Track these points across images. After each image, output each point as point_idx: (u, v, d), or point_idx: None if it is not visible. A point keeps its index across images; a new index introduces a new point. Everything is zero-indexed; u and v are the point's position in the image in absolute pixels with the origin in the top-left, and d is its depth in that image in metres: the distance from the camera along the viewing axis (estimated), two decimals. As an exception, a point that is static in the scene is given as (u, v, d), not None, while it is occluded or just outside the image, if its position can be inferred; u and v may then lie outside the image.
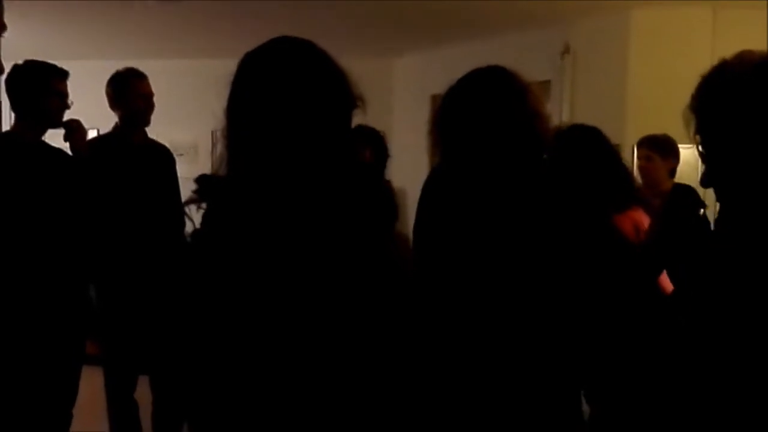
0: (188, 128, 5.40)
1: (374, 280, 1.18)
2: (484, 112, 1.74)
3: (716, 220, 1.21)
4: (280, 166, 1.17)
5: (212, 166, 1.27)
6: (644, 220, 2.41)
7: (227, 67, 1.25)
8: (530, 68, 1.86)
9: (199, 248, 1.23)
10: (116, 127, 3.37)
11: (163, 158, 3.47)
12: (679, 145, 3.59)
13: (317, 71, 1.20)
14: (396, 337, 1.19)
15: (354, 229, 1.18)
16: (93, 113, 3.56)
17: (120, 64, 3.46)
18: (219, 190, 1.22)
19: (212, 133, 1.33)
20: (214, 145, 1.34)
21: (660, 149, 3.63)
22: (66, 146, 3.10)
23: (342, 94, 1.21)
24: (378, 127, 3.33)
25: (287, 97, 1.17)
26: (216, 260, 1.18)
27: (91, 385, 3.31)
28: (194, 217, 1.25)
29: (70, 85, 3.04)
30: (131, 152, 3.33)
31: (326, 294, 1.15)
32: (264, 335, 1.14)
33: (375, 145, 4.13)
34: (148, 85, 3.39)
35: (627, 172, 2.61)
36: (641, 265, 2.42)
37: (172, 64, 6.12)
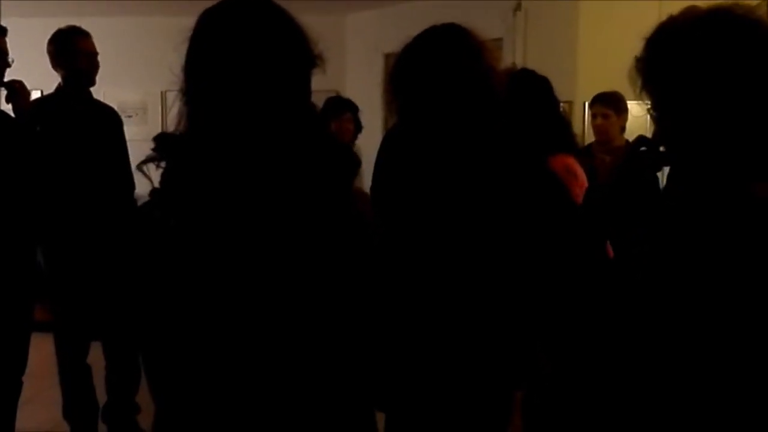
0: (136, 89, 5.27)
1: (337, 233, 1.18)
2: (440, 70, 1.74)
3: (668, 177, 1.24)
4: (240, 122, 1.16)
5: (162, 126, 1.25)
6: (576, 168, 2.48)
7: (175, 25, 1.22)
8: (482, 25, 1.85)
9: (159, 207, 1.22)
10: (59, 88, 3.25)
11: (109, 120, 3.38)
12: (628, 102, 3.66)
13: (277, 28, 1.19)
14: (359, 294, 1.20)
15: (315, 184, 1.18)
16: (36, 73, 3.44)
17: (63, 22, 3.32)
18: (179, 148, 1.20)
19: (162, 93, 1.31)
20: (164, 105, 1.31)
21: (615, 106, 3.69)
22: (8, 108, 3.00)
23: (301, 51, 1.20)
24: (331, 85, 3.31)
25: (247, 54, 1.16)
26: (178, 218, 1.17)
27: (41, 351, 3.26)
28: (152, 176, 1.23)
29: (11, 44, 2.92)
30: (76, 114, 3.21)
31: (289, 247, 1.15)
32: (228, 292, 1.14)
33: (355, 115, 4.13)
34: (91, 43, 3.25)
35: (567, 122, 2.70)
36: (590, 217, 2.49)
37: (118, 22, 5.93)
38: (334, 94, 4.62)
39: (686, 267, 1.08)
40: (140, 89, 4.81)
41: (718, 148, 1.10)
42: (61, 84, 3.24)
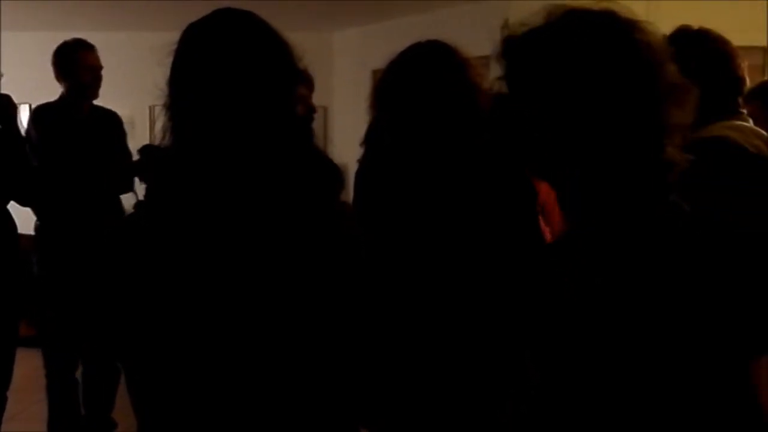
0: (124, 103, 5.26)
1: (323, 247, 1.18)
2: (424, 87, 1.75)
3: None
4: (225, 137, 1.16)
5: (150, 140, 1.25)
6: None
7: (163, 39, 1.23)
8: (470, 43, 1.87)
9: (142, 221, 1.21)
10: (62, 98, 3.27)
11: (111, 124, 3.39)
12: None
13: (261, 43, 1.19)
14: (347, 310, 1.20)
15: (300, 198, 1.18)
16: (24, 87, 3.43)
17: (50, 36, 3.35)
18: (163, 161, 1.20)
19: (150, 108, 1.31)
20: (151, 119, 1.31)
21: None
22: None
23: (286, 66, 1.20)
24: (319, 101, 3.31)
25: (231, 68, 1.16)
26: (160, 233, 1.16)
27: (25, 367, 3.23)
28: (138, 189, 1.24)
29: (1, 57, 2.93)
30: (78, 122, 3.25)
31: (275, 262, 1.14)
32: (213, 307, 1.14)
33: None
34: (96, 57, 3.30)
35: None
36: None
37: (105, 37, 5.92)
38: (322, 110, 4.62)
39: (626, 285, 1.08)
40: (127, 104, 4.80)
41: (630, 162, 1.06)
42: (64, 95, 3.27)
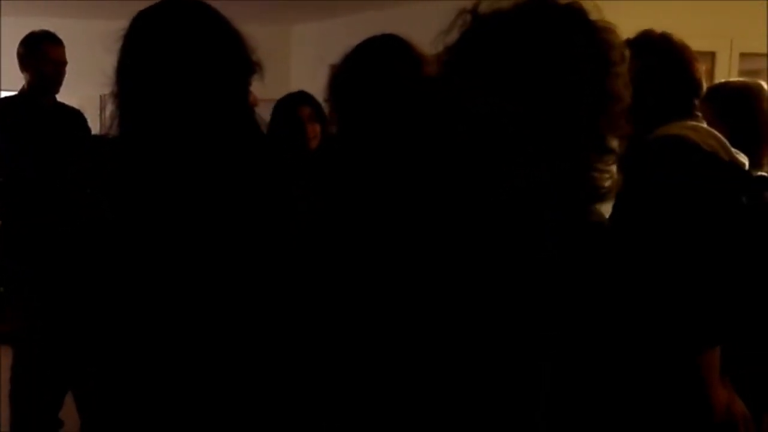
0: (73, 92, 5.13)
1: (272, 239, 1.17)
2: (380, 81, 1.74)
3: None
4: (173, 127, 1.14)
5: (100, 130, 1.22)
6: None
7: (114, 28, 1.20)
8: (428, 41, 1.87)
9: (91, 212, 1.19)
10: (23, 90, 3.26)
11: (75, 122, 3.38)
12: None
13: (212, 32, 1.17)
14: (300, 300, 1.19)
15: (249, 189, 1.17)
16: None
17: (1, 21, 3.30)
18: (110, 152, 1.18)
19: (101, 97, 1.28)
20: (102, 109, 1.28)
21: None
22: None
23: (238, 56, 1.18)
24: (276, 95, 3.28)
25: (180, 57, 1.14)
26: (108, 224, 1.14)
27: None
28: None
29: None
30: (40, 114, 3.22)
31: (220, 255, 1.13)
32: (159, 300, 1.12)
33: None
34: (62, 51, 3.29)
35: None
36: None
37: (54, 24, 5.78)
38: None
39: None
40: (77, 93, 4.70)
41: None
42: (26, 87, 3.25)
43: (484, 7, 1.09)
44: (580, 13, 1.05)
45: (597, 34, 1.03)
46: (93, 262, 1.16)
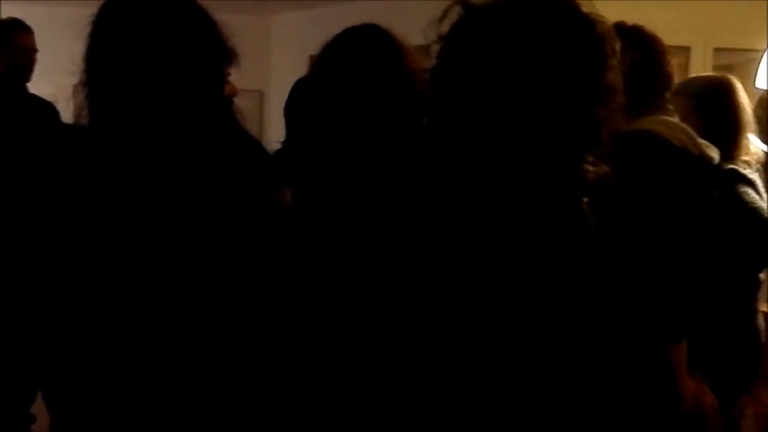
0: (46, 81, 5.05)
1: (249, 232, 1.16)
2: (361, 72, 1.74)
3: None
4: (145, 118, 1.11)
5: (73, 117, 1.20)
6: None
7: (83, 12, 1.18)
8: (409, 32, 1.87)
9: (60, 203, 1.17)
10: None
11: (47, 114, 3.32)
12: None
13: (185, 18, 1.14)
14: (277, 294, 1.18)
15: (225, 180, 1.15)
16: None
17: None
18: (80, 142, 1.16)
19: (74, 86, 1.25)
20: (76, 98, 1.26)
21: None
22: None
23: (212, 44, 1.16)
24: (256, 86, 3.26)
25: (152, 44, 1.11)
26: (76, 215, 1.12)
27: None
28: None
29: None
30: (12, 103, 3.19)
31: (192, 244, 1.12)
32: (132, 293, 1.11)
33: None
34: (31, 39, 3.26)
35: None
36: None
37: (27, 10, 5.69)
38: (258, 94, 4.54)
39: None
40: (50, 81, 4.63)
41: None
42: None
43: None
44: (573, 6, 1.04)
45: (590, 27, 1.03)
46: (74, 257, 1.14)
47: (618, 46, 1.06)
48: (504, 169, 1.06)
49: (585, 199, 1.08)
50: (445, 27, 1.11)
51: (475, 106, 1.04)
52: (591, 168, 1.05)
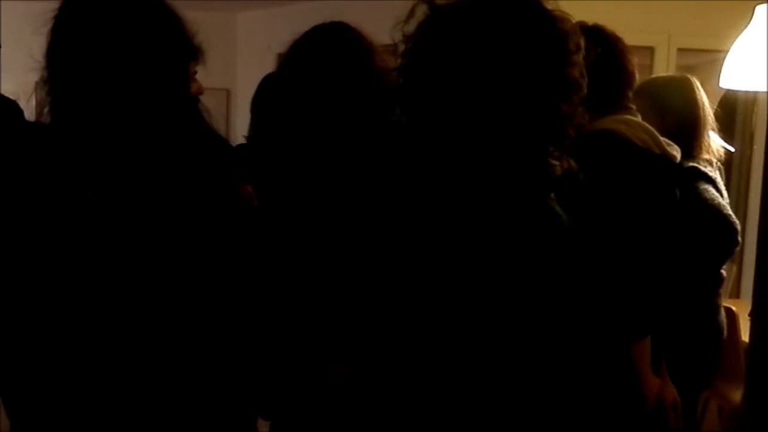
0: (9, 77, 4.95)
1: (211, 229, 1.15)
2: (329, 69, 1.73)
3: None
4: (108, 115, 1.09)
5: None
6: None
7: (44, 6, 1.15)
8: (378, 30, 1.87)
9: (21, 200, 1.14)
10: None
11: (9, 112, 3.23)
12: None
13: (149, 14, 1.12)
14: (240, 290, 1.17)
15: (189, 178, 1.14)
16: None
17: None
18: (40, 140, 1.13)
19: (36, 83, 1.23)
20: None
21: None
22: None
23: (177, 40, 1.14)
24: (222, 84, 3.22)
25: (115, 40, 1.09)
26: (38, 213, 1.10)
27: None
28: None
29: None
30: None
31: (157, 244, 1.10)
32: (93, 290, 1.09)
33: None
34: None
35: None
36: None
37: (-10, 5, 5.56)
38: (224, 93, 4.50)
39: None
40: (13, 78, 4.54)
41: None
42: None
43: None
44: (537, 3, 1.05)
45: (553, 24, 1.04)
46: (35, 256, 1.12)
47: (582, 42, 1.08)
48: (470, 165, 1.07)
49: (552, 195, 1.09)
50: (411, 26, 1.12)
51: (442, 102, 1.05)
52: (556, 163, 1.06)
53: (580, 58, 1.06)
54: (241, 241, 1.20)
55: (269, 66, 1.97)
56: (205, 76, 1.29)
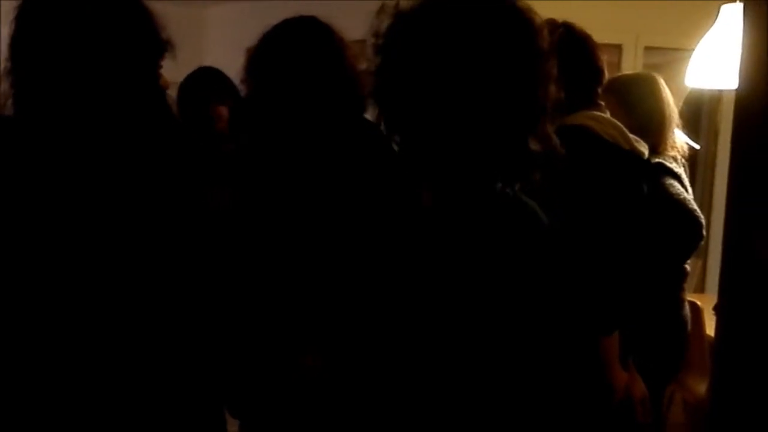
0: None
1: (177, 223, 1.13)
2: (299, 64, 1.72)
3: None
4: (73, 107, 1.07)
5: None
6: None
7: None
8: (348, 26, 1.86)
9: None
10: None
11: None
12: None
13: (118, 7, 1.11)
14: (204, 285, 1.16)
15: (155, 172, 1.12)
16: None
17: None
18: (5, 133, 1.11)
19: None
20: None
21: None
22: None
23: (145, 33, 1.13)
24: (188, 78, 3.16)
25: (82, 33, 1.07)
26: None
27: None
28: None
29: None
30: None
31: (121, 239, 1.09)
32: (54, 286, 1.07)
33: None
34: None
35: None
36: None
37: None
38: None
39: None
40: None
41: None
42: None
43: None
44: (509, 1, 1.06)
45: (522, 17, 1.05)
46: None
47: (552, 36, 1.09)
48: (451, 152, 1.07)
49: (536, 176, 1.11)
50: (383, 23, 1.12)
51: (419, 100, 1.05)
52: (535, 143, 1.07)
53: (550, 49, 1.08)
54: (206, 235, 1.19)
55: (238, 60, 1.95)
56: (173, 69, 1.28)
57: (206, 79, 3.12)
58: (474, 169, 1.08)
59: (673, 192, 2.37)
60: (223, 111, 3.68)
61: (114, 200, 1.10)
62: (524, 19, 1.05)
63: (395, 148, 1.15)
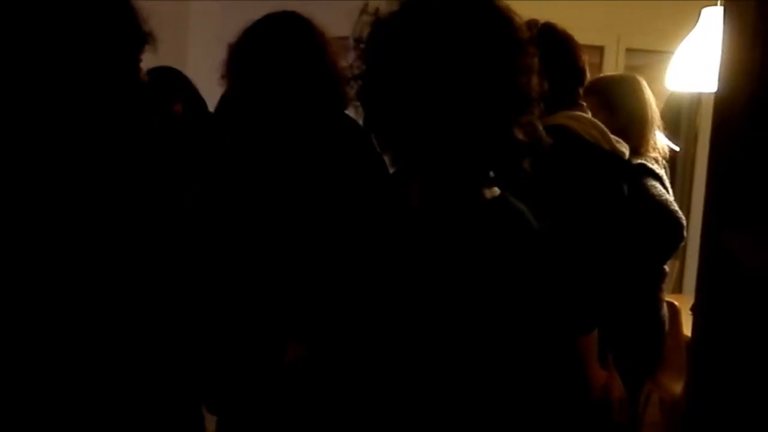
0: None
1: (153, 218, 1.12)
2: (280, 59, 1.72)
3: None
4: (50, 98, 1.06)
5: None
6: None
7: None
8: (330, 23, 1.86)
9: None
10: None
11: None
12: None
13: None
14: (180, 284, 1.16)
15: (133, 165, 1.11)
16: None
17: None
18: None
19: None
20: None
21: None
22: None
23: (126, 24, 1.12)
24: (171, 72, 3.15)
25: (63, 24, 1.06)
26: None
27: None
28: None
29: None
30: None
31: (98, 235, 1.08)
32: (30, 278, 1.06)
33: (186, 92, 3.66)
34: None
35: None
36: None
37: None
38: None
39: None
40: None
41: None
42: None
43: None
44: (489, 1, 1.07)
45: (501, 14, 1.06)
46: None
47: (531, 31, 1.10)
48: (437, 147, 1.08)
49: (525, 162, 1.11)
50: (366, 21, 1.13)
51: (403, 98, 1.06)
52: (521, 134, 1.08)
53: (530, 44, 1.09)
54: (187, 230, 1.18)
55: (220, 55, 1.94)
56: (155, 63, 1.27)
57: (165, 80, 3.12)
58: (461, 166, 1.09)
59: (655, 193, 2.39)
60: (179, 108, 3.67)
61: (91, 195, 1.09)
62: (503, 15, 1.06)
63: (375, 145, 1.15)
